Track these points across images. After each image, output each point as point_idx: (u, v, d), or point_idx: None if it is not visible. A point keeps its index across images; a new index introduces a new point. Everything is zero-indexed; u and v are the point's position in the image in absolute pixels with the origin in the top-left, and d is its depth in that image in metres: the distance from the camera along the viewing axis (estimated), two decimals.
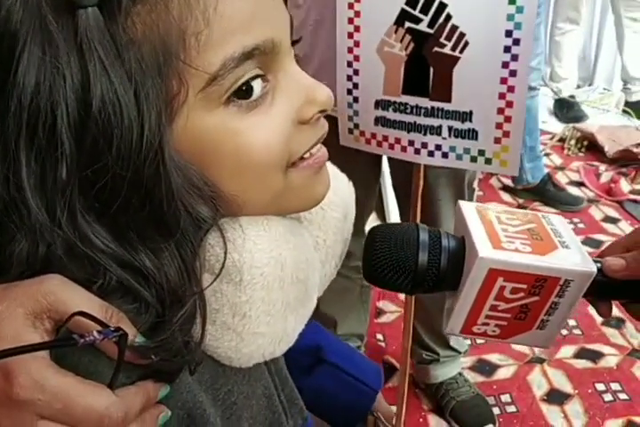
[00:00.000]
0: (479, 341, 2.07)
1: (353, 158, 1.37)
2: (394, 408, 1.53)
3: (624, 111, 3.57)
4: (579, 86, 3.85)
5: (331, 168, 0.56)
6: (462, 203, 0.53)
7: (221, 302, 0.43)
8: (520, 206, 2.82)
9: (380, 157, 1.49)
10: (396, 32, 1.09)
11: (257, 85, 0.42)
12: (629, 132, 3.22)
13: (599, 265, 0.49)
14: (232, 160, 0.43)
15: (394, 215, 2.46)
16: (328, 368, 0.76)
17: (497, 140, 1.08)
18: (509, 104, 1.04)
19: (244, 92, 0.42)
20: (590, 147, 3.23)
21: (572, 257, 0.47)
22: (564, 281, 0.46)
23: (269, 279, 0.44)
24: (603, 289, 0.50)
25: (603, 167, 3.11)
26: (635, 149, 3.07)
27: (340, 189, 0.56)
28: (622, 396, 1.86)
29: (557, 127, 3.43)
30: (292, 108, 0.45)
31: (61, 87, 0.37)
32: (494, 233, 0.48)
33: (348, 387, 0.76)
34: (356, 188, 1.53)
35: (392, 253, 0.49)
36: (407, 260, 0.49)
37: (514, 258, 0.46)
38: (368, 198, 1.57)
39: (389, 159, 1.47)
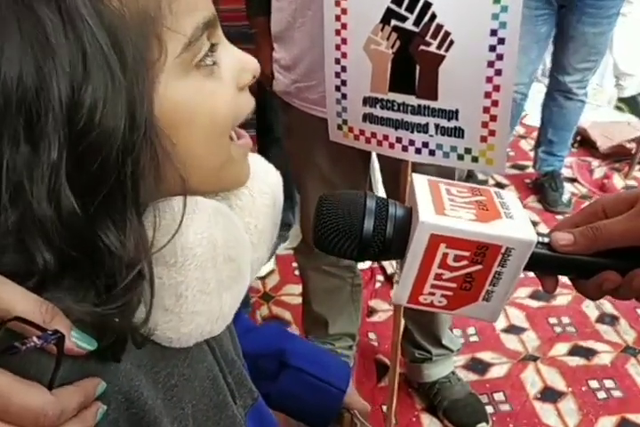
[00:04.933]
0: (472, 339, 2.06)
1: (341, 156, 1.37)
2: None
3: (616, 107, 3.58)
4: None
5: (259, 159, 0.60)
6: (416, 176, 0.53)
7: (157, 284, 0.43)
8: None
9: (368, 154, 1.49)
10: (382, 30, 1.09)
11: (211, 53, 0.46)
12: (622, 127, 3.23)
13: (547, 239, 0.49)
14: (205, 122, 0.46)
15: None
16: (292, 372, 0.78)
17: (483, 139, 1.08)
18: (495, 103, 1.04)
19: (208, 57, 0.46)
20: (583, 143, 3.24)
21: (513, 226, 0.48)
22: (505, 249, 0.47)
23: (202, 259, 0.45)
24: (550, 264, 0.50)
25: (595, 163, 3.11)
26: (627, 145, 3.07)
27: (268, 178, 0.58)
28: (616, 393, 1.86)
29: None
30: (234, 75, 0.48)
31: (54, 67, 0.36)
32: (440, 202, 0.49)
33: (313, 389, 0.78)
34: (344, 182, 1.53)
35: (338, 218, 0.50)
36: (353, 225, 0.50)
37: (455, 224, 0.47)
38: None
39: (379, 156, 1.47)
